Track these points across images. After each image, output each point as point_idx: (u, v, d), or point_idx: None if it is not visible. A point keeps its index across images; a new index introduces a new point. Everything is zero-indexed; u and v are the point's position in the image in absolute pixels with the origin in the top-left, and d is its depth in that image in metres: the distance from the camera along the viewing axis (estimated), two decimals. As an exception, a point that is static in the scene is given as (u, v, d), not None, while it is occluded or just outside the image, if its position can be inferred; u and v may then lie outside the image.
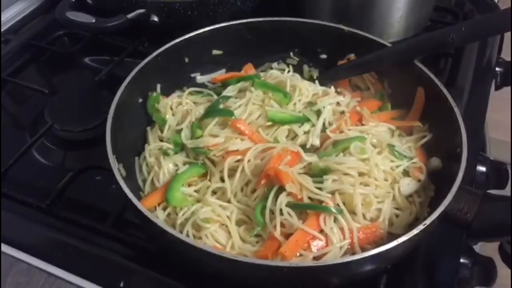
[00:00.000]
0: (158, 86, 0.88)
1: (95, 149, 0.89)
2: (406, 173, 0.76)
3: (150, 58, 0.85)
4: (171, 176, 0.77)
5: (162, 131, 0.83)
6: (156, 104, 0.85)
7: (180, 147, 0.81)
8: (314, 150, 0.80)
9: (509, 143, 1.56)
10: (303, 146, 0.79)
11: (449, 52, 1.07)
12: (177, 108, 0.87)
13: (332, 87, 0.89)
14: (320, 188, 0.71)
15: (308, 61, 0.96)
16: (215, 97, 0.89)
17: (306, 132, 0.81)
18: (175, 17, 1.05)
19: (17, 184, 0.82)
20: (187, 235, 0.69)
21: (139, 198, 0.73)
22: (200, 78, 0.94)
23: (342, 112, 0.85)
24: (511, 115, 1.46)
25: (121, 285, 0.69)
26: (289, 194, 0.70)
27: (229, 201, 0.73)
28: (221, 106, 0.84)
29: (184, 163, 0.79)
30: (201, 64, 0.93)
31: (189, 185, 0.77)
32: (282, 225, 0.68)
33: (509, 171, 0.93)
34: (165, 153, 0.79)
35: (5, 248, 0.73)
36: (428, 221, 0.62)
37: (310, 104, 0.86)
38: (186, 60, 0.91)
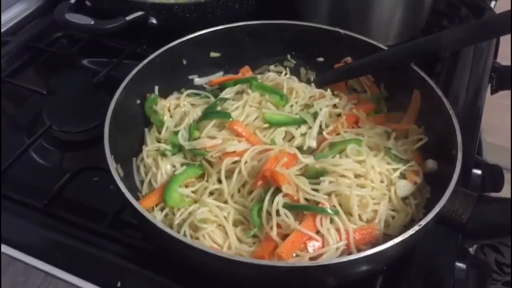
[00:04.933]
0: (156, 88, 0.88)
1: (93, 150, 0.89)
2: (402, 175, 0.76)
3: (148, 60, 0.85)
4: (169, 177, 0.77)
5: (160, 133, 0.84)
6: (154, 106, 0.86)
7: (178, 148, 0.81)
8: (310, 152, 0.80)
9: (504, 147, 1.58)
10: (299, 148, 0.79)
11: (445, 55, 1.08)
12: (175, 109, 0.87)
13: (329, 90, 0.90)
14: (316, 190, 0.71)
15: (305, 64, 0.96)
16: (213, 99, 0.89)
17: (303, 134, 0.82)
18: (174, 20, 1.06)
19: (15, 185, 0.82)
20: (185, 235, 0.70)
21: (137, 198, 0.73)
22: (198, 80, 0.95)
23: (339, 115, 0.86)
24: (511, 119, 1.47)
25: (118, 285, 0.69)
26: (286, 195, 0.71)
27: (226, 202, 0.74)
28: (219, 108, 0.84)
29: (182, 164, 0.79)
30: (199, 66, 0.94)
31: (187, 186, 0.77)
32: (279, 226, 0.69)
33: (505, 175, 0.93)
34: (163, 154, 0.79)
35: (3, 248, 0.73)
36: (423, 222, 0.63)
37: (307, 106, 0.87)
38: (184, 62, 0.92)
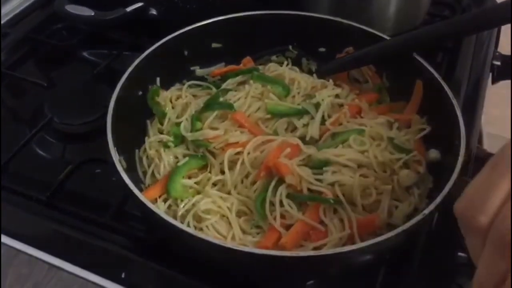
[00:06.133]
0: (158, 79, 0.88)
1: (95, 142, 0.89)
2: (405, 165, 0.76)
3: (149, 51, 0.85)
4: (172, 168, 0.77)
5: (162, 124, 0.84)
6: (156, 97, 0.85)
7: (180, 140, 0.81)
8: (313, 142, 0.80)
9: (502, 137, 1.58)
10: (302, 138, 0.79)
11: (447, 45, 1.08)
12: (176, 101, 0.87)
13: (331, 80, 0.89)
14: (319, 180, 0.71)
15: (307, 54, 0.96)
16: (214, 90, 0.89)
17: (305, 125, 0.81)
18: (174, 10, 1.05)
19: (18, 177, 0.83)
20: (188, 226, 0.70)
21: (140, 190, 0.73)
22: (199, 71, 0.94)
23: (341, 105, 0.85)
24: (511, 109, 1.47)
25: (122, 276, 0.70)
26: (289, 185, 0.71)
27: (229, 193, 0.74)
28: (221, 99, 0.84)
29: (184, 155, 0.79)
30: (200, 57, 0.93)
31: (190, 177, 0.77)
32: (282, 216, 0.69)
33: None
34: (166, 146, 0.79)
35: (7, 240, 0.73)
36: (426, 211, 0.63)
37: (309, 96, 0.86)
38: (186, 53, 0.91)
